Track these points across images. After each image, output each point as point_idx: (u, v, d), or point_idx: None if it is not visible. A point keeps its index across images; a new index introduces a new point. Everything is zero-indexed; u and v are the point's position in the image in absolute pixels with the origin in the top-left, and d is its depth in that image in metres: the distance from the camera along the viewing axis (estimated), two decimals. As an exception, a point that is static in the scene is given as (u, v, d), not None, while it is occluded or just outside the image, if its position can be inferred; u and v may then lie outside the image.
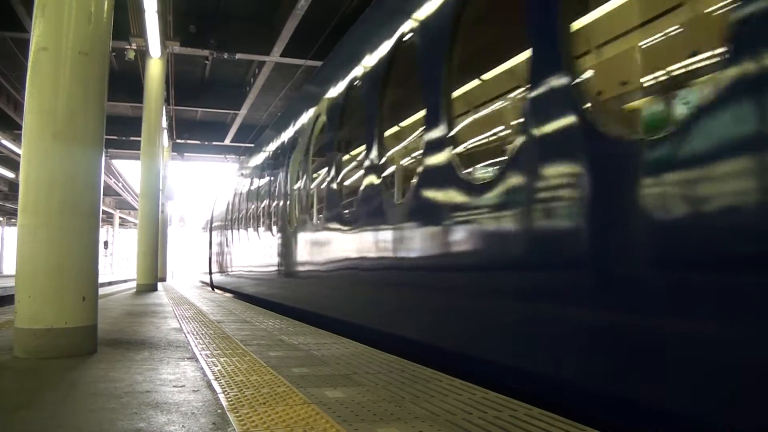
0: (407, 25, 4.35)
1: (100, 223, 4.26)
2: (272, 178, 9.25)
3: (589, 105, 2.51)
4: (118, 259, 58.76)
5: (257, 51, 16.23)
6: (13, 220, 46.11)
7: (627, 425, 2.25)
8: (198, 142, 27.78)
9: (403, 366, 3.41)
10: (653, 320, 2.15)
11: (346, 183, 5.78)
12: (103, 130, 4.08)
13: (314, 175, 7.04)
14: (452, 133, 3.62)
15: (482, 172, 3.51)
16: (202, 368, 3.35)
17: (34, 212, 3.75)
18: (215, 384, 2.87)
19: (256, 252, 10.29)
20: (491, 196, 3.11)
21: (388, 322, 4.52)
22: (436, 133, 3.71)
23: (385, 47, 4.72)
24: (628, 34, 2.88)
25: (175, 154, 27.98)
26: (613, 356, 2.34)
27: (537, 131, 2.78)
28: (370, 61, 5.08)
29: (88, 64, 3.87)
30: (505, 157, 3.04)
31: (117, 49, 14.32)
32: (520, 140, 2.90)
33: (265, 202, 9.49)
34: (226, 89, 21.69)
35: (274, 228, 8.70)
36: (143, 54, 14.48)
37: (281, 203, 8.39)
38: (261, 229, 9.74)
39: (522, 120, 2.92)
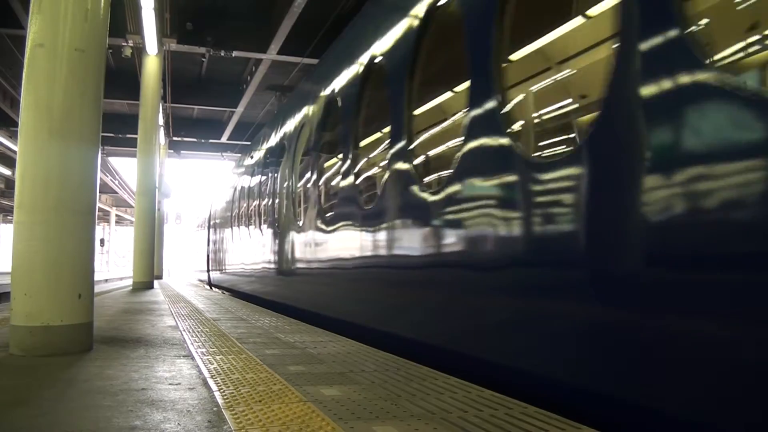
0: None
1: (97, 221, 4.25)
2: None
3: None
4: (114, 257, 58.65)
5: (254, 49, 16.19)
6: (9, 218, 45.97)
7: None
8: (195, 139, 27.68)
9: (399, 364, 3.42)
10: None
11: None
12: (100, 127, 4.07)
13: None
14: None
15: None
16: (198, 366, 3.35)
17: (31, 209, 3.75)
18: (211, 382, 2.87)
19: None
20: None
21: None
22: None
23: None
24: None
25: (172, 151, 27.88)
26: None
27: None
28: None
29: (84, 61, 3.87)
30: None
31: (114, 47, 14.28)
32: None
33: None
34: (222, 87, 21.62)
35: None
36: (140, 51, 14.46)
37: None
38: None
39: None
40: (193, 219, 30.82)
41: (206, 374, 3.07)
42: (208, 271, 18.76)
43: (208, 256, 19.09)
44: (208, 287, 18.03)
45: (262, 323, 5.82)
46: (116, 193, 41.54)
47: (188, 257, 33.73)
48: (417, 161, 4.32)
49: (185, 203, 45.12)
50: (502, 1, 3.26)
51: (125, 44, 14.39)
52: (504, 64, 3.32)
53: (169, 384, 2.86)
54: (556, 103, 3.36)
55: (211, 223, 18.60)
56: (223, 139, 27.34)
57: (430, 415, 2.27)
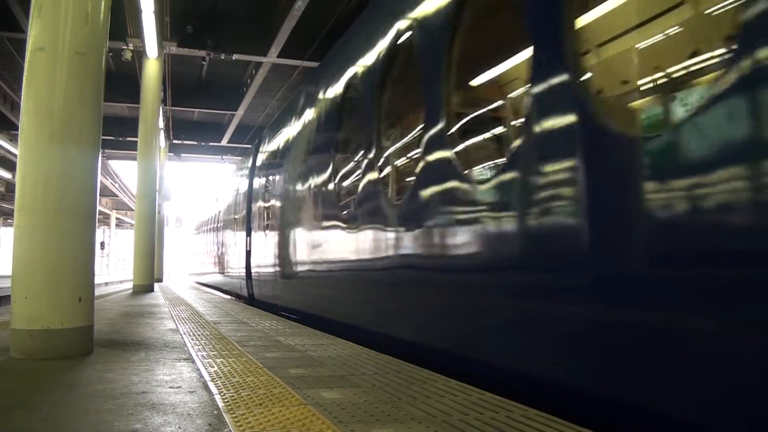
0: None
1: (97, 224, 4.26)
2: None
3: None
4: (114, 260, 58.65)
5: (254, 52, 16.21)
6: (9, 221, 45.98)
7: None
8: (195, 142, 27.69)
9: (399, 367, 3.41)
10: None
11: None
12: (100, 130, 4.08)
13: None
14: None
15: None
16: (198, 369, 3.34)
17: (31, 213, 3.75)
18: (211, 385, 2.87)
19: None
20: None
21: None
22: None
23: None
24: None
25: (172, 154, 27.89)
26: None
27: None
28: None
29: (84, 65, 3.87)
30: None
31: (114, 50, 14.28)
32: None
33: None
34: (223, 90, 21.64)
35: None
36: (140, 54, 14.46)
37: None
38: None
39: None
40: (196, 216, 27.37)
41: (206, 377, 3.07)
42: (248, 279, 11.29)
43: (248, 254, 11.38)
44: (244, 302, 11.51)
45: (262, 326, 5.82)
46: (116, 196, 41.52)
47: (192, 261, 30.59)
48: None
49: (187, 204, 45.07)
50: None
51: (125, 47, 14.39)
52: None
53: (170, 387, 2.85)
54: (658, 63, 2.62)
55: (257, 208, 10.71)
56: (224, 142, 27.36)
57: (430, 418, 2.27)
